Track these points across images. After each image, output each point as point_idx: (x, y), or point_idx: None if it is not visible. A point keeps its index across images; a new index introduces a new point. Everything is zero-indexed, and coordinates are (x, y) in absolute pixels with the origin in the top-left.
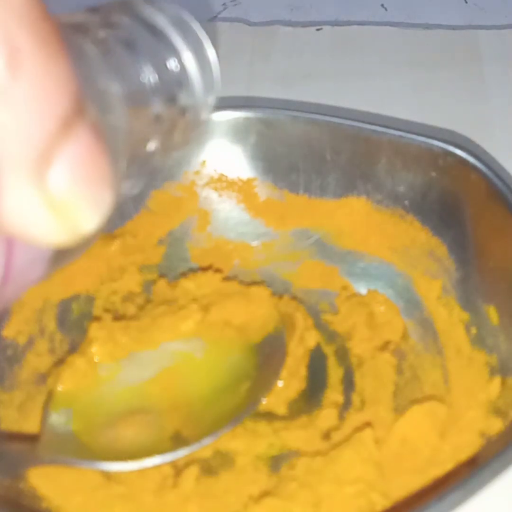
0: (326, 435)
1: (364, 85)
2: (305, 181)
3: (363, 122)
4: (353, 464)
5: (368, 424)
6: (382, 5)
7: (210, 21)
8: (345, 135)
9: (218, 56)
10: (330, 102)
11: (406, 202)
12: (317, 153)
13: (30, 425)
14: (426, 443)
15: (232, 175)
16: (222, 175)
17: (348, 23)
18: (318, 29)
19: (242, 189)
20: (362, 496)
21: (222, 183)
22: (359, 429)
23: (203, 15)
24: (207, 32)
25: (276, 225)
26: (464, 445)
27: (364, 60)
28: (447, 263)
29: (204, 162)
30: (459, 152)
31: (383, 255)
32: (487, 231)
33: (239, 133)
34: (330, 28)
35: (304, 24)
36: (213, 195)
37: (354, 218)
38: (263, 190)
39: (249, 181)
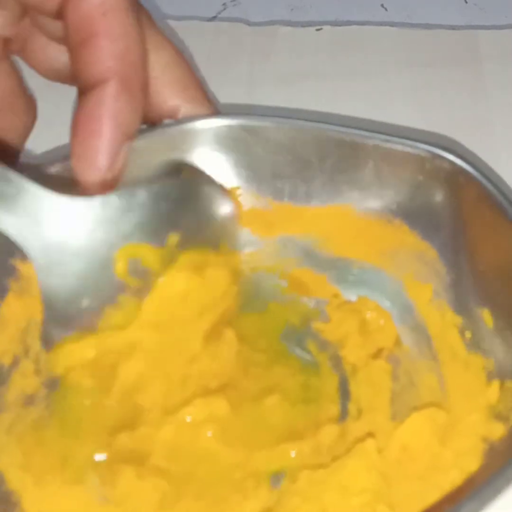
0: (327, 447)
1: (364, 85)
2: (290, 188)
3: (348, 127)
4: (357, 475)
5: (369, 434)
6: (382, 5)
7: (210, 21)
8: (330, 140)
9: (218, 56)
10: (330, 102)
11: (394, 206)
12: (302, 160)
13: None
14: (427, 450)
15: None
16: None
17: (348, 23)
18: (318, 29)
19: None
20: (369, 507)
21: None
22: (360, 438)
23: (203, 15)
24: (207, 32)
25: (262, 233)
26: (466, 450)
27: (364, 60)
28: (438, 267)
29: None
30: (446, 154)
31: (371, 260)
32: (477, 233)
33: (222, 140)
34: (330, 28)
35: (304, 24)
36: None
37: (341, 224)
38: (247, 199)
39: (232, 190)
